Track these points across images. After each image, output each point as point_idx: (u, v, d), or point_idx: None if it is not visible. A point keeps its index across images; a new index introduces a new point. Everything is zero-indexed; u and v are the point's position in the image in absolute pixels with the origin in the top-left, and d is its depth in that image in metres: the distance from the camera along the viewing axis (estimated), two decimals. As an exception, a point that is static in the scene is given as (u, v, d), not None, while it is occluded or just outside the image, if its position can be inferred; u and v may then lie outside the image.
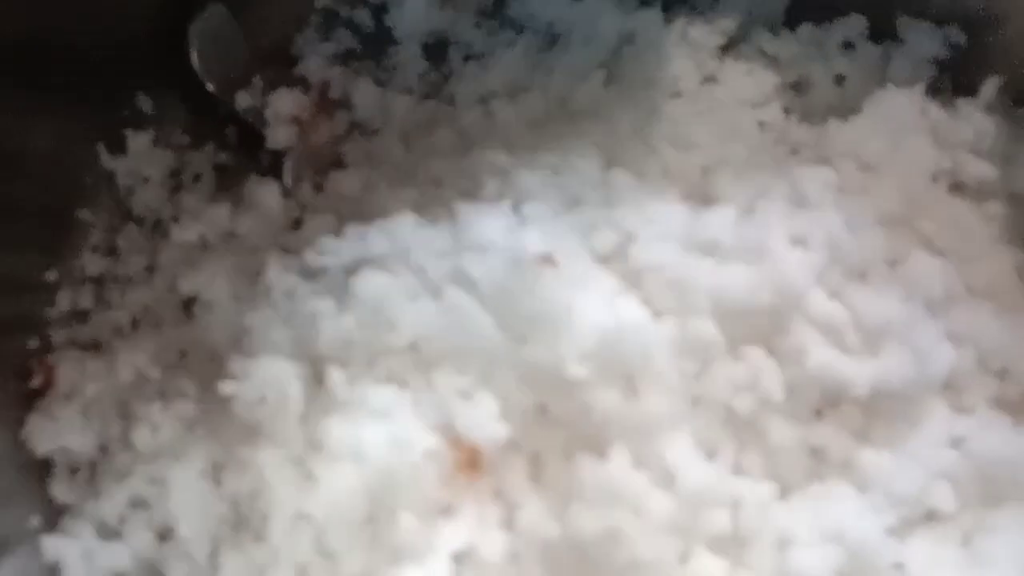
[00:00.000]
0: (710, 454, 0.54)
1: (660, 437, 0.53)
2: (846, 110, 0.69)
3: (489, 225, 0.60)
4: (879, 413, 0.56)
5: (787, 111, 0.73)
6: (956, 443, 0.55)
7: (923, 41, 0.72)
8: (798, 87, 0.74)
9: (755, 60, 0.75)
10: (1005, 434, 0.56)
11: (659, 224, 0.60)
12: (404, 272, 0.60)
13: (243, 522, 0.62)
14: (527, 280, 0.57)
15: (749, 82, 0.73)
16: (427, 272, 0.59)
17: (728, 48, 0.76)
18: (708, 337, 0.55)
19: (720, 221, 0.59)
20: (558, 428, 0.56)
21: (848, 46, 0.74)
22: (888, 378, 0.55)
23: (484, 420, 0.55)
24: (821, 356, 0.55)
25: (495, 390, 0.56)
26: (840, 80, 0.74)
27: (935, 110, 0.66)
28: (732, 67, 0.74)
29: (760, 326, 0.56)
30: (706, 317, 0.56)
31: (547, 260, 0.57)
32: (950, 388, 0.58)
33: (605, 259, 0.60)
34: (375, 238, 0.62)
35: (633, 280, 0.58)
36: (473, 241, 0.59)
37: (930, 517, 0.54)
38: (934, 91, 0.68)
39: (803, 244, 0.58)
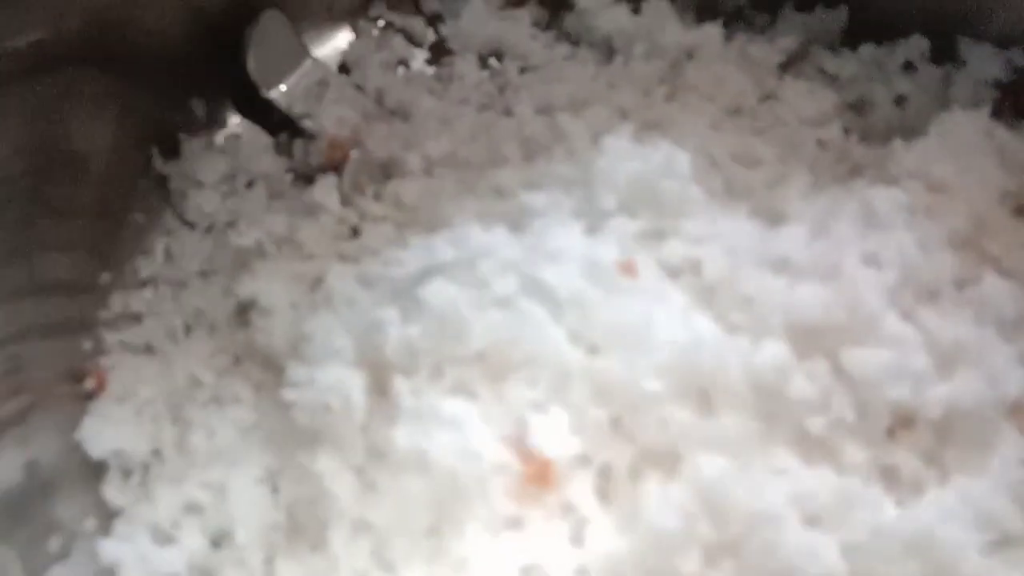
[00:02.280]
0: (780, 472, 0.54)
1: (733, 455, 0.53)
2: (907, 131, 0.70)
3: (562, 233, 0.60)
4: (951, 435, 0.55)
5: (847, 131, 0.73)
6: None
7: (985, 63, 0.72)
8: (858, 107, 0.75)
9: (815, 79, 0.75)
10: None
11: (730, 239, 0.60)
12: (472, 281, 0.59)
13: (300, 530, 0.61)
14: (605, 289, 0.57)
15: (809, 101, 0.73)
16: (496, 281, 0.58)
17: (787, 66, 0.76)
18: (781, 356, 0.55)
19: (791, 238, 0.59)
20: (630, 443, 0.55)
21: (909, 67, 0.75)
22: (961, 400, 0.55)
23: (555, 433, 0.55)
24: (893, 377, 0.55)
25: (567, 402, 0.56)
26: (900, 101, 0.74)
27: (1001, 132, 0.66)
28: (791, 85, 0.74)
29: (833, 345, 0.56)
30: (779, 335, 0.56)
31: (627, 268, 0.57)
32: (1019, 410, 0.57)
33: (677, 273, 0.60)
34: (440, 247, 0.61)
35: (706, 295, 0.58)
36: (546, 249, 0.59)
37: (1002, 542, 0.53)
38: (997, 113, 0.68)
39: (875, 264, 0.58)
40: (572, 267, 0.58)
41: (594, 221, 0.61)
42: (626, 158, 0.62)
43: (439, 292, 0.59)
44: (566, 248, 0.59)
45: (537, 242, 0.60)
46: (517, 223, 0.62)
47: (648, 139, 0.64)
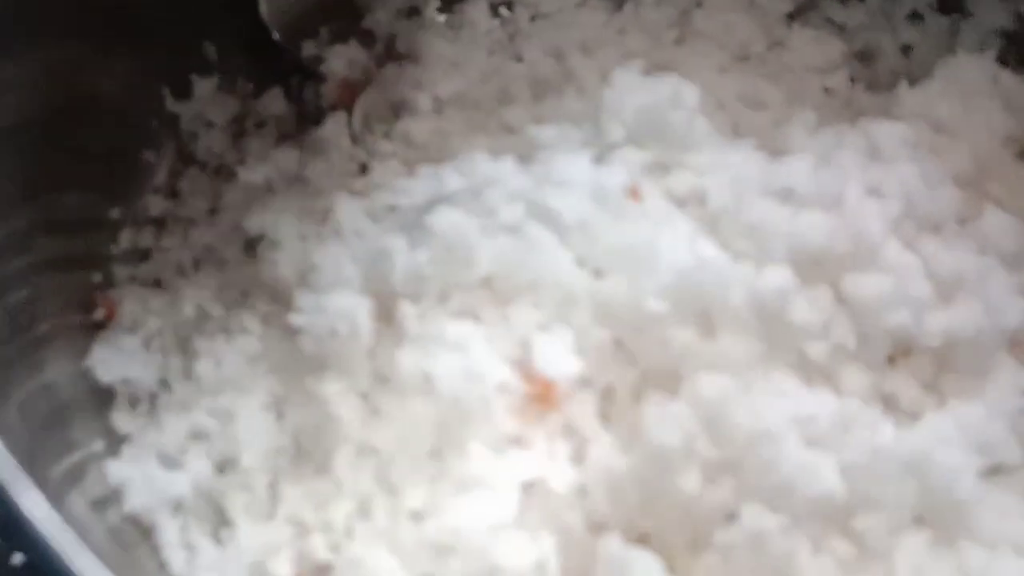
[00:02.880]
0: (781, 394, 0.54)
1: (734, 376, 0.54)
2: (912, 80, 0.70)
3: (570, 162, 0.60)
4: (950, 363, 0.56)
5: (853, 79, 0.73)
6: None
7: (992, 12, 0.73)
8: (864, 56, 0.75)
9: (822, 28, 0.76)
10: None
11: (735, 170, 0.60)
12: (479, 209, 0.60)
13: (305, 455, 0.62)
14: (611, 214, 0.57)
15: (816, 49, 0.74)
16: (504, 208, 0.59)
17: (796, 15, 0.76)
18: (784, 281, 0.56)
19: (796, 169, 0.60)
20: (632, 364, 0.56)
21: (916, 17, 0.75)
22: (960, 329, 0.55)
23: (559, 354, 0.55)
24: (894, 305, 0.55)
25: (571, 324, 0.56)
26: (907, 50, 0.75)
27: (1006, 77, 0.67)
28: (799, 33, 0.75)
29: (835, 272, 0.57)
30: (782, 261, 0.56)
31: (633, 193, 0.58)
32: (1017, 343, 0.58)
33: (683, 202, 0.60)
34: (449, 176, 0.62)
35: (711, 223, 0.59)
36: (553, 177, 0.59)
37: (996, 469, 0.54)
38: (1003, 60, 0.69)
39: (878, 195, 0.58)
40: (579, 193, 0.58)
41: (602, 152, 0.62)
42: (635, 90, 0.62)
43: (446, 219, 0.60)
44: (573, 176, 0.59)
45: (545, 171, 0.60)
46: (526, 155, 0.63)
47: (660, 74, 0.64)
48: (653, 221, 0.58)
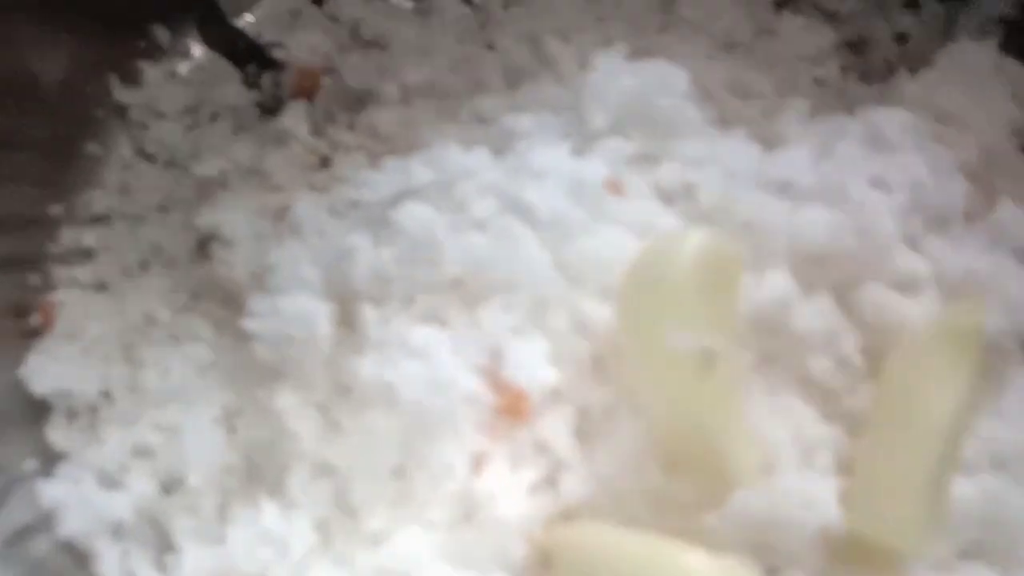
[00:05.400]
0: (783, 415, 0.50)
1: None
2: (910, 70, 0.66)
3: (547, 153, 0.56)
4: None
5: (844, 70, 0.70)
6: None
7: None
8: (857, 46, 0.71)
9: (812, 15, 0.72)
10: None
11: (728, 162, 0.56)
12: (449, 203, 0.55)
13: (257, 473, 0.57)
14: (590, 211, 0.53)
15: (806, 37, 0.70)
16: (475, 203, 0.54)
17: (784, 2, 0.72)
18: (784, 287, 0.51)
19: (794, 160, 0.55)
20: (610, 384, 0.51)
21: (911, 4, 0.71)
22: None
23: (532, 361, 0.50)
24: (904, 311, 0.51)
25: (547, 332, 0.52)
26: (902, 39, 0.71)
27: (1011, 65, 0.62)
28: (788, 21, 0.71)
29: (840, 275, 0.52)
30: (782, 264, 0.52)
31: (614, 186, 0.53)
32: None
33: (671, 197, 0.56)
34: (417, 169, 0.57)
35: (702, 220, 0.54)
36: (529, 169, 0.55)
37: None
38: (1005, 47, 0.65)
39: (883, 186, 0.54)
40: (556, 186, 0.54)
41: (583, 142, 0.57)
42: (620, 75, 0.58)
43: (413, 215, 0.55)
44: (551, 167, 0.55)
45: (520, 163, 0.56)
46: (500, 146, 0.58)
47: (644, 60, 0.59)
48: (635, 222, 0.53)
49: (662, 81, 0.57)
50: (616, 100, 0.57)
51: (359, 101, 0.71)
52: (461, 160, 0.57)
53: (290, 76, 0.73)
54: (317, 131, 0.70)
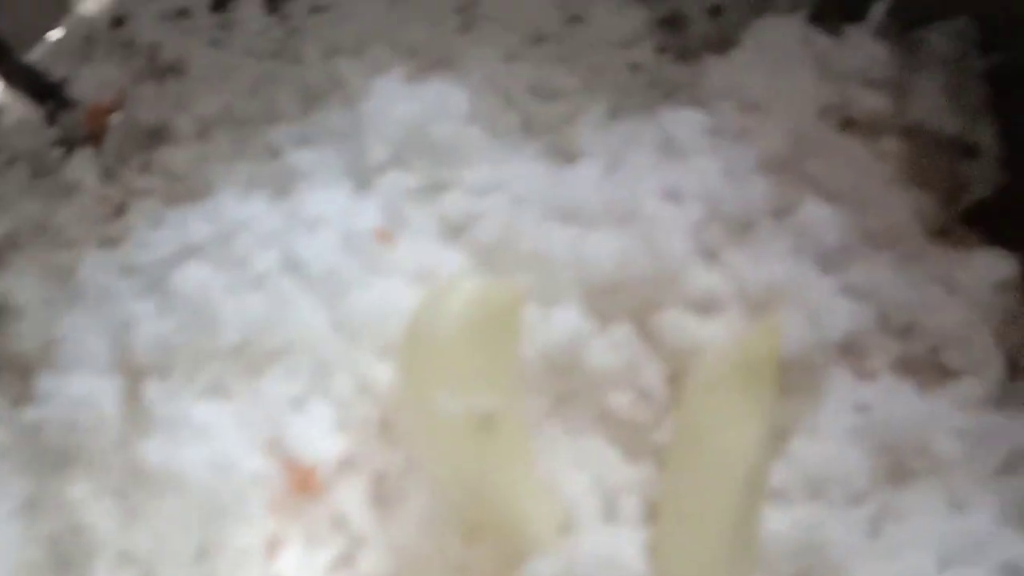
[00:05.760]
0: (584, 459, 0.48)
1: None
2: (725, 45, 0.63)
3: (324, 197, 0.52)
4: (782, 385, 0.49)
5: (660, 50, 0.66)
6: (862, 415, 0.49)
7: (805, -35, 0.65)
8: (671, 23, 0.68)
9: (624, -6, 0.68)
10: (910, 401, 0.51)
11: (515, 187, 0.52)
12: (228, 261, 0.51)
13: (63, 566, 0.53)
14: (362, 263, 0.49)
15: (617, 20, 0.66)
16: (255, 258, 0.51)
17: (596, -17, 0.68)
18: (576, 322, 0.48)
19: (583, 179, 0.52)
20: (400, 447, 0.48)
21: (722, -25, 0.68)
22: (784, 347, 0.49)
23: (317, 432, 0.47)
24: (704, 333, 0.48)
25: (330, 397, 0.49)
26: (716, 12, 0.67)
27: (820, 39, 0.59)
28: (599, 5, 0.67)
29: (636, 302, 0.49)
30: (573, 298, 0.49)
31: (383, 236, 0.50)
32: (851, 352, 0.52)
33: (455, 231, 0.52)
34: (195, 224, 0.53)
35: (486, 257, 0.51)
36: (305, 217, 0.51)
37: (842, 499, 0.48)
38: (819, 18, 0.62)
39: (676, 198, 0.51)
40: (329, 237, 0.50)
41: (364, 178, 0.53)
42: (397, 101, 0.54)
43: (192, 277, 0.51)
44: (326, 215, 0.51)
45: (298, 209, 0.52)
46: (282, 186, 0.54)
47: (427, 79, 0.56)
48: (411, 269, 0.50)
49: (442, 104, 0.54)
50: (395, 129, 0.53)
51: (153, 138, 0.66)
52: (240, 210, 0.53)
53: (81, 116, 0.68)
54: (109, 176, 0.65)
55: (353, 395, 0.49)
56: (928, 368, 0.53)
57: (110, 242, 0.61)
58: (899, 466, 0.50)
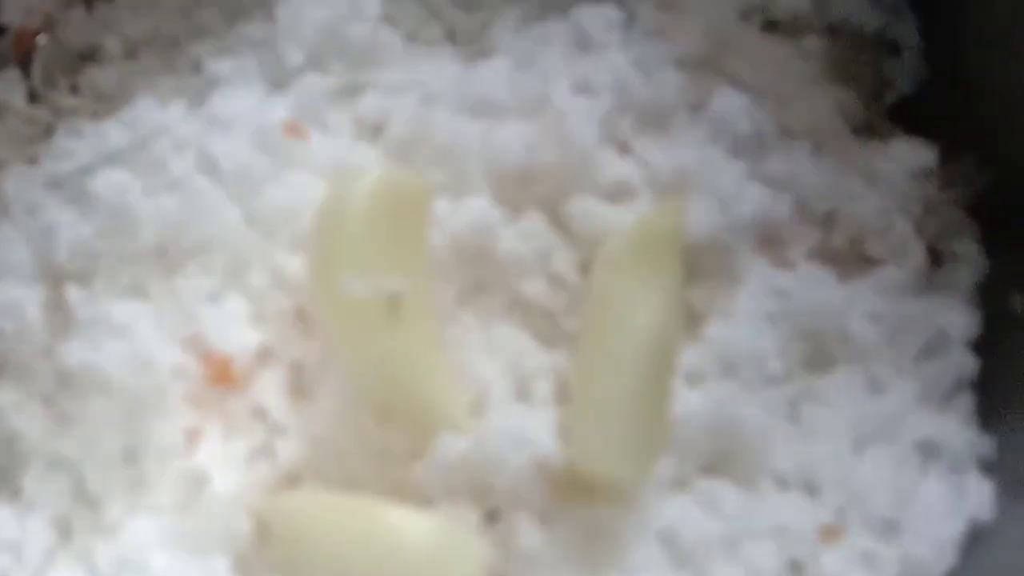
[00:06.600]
0: (497, 346, 0.48)
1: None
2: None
3: (237, 97, 0.52)
4: (696, 269, 0.50)
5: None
6: (779, 300, 0.50)
7: None
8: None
9: None
10: (830, 288, 0.52)
11: (428, 85, 0.52)
12: (146, 165, 0.52)
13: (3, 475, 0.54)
14: (274, 159, 0.50)
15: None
16: (172, 161, 0.51)
17: None
18: (485, 211, 0.49)
19: (493, 75, 0.52)
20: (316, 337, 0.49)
21: None
22: (694, 231, 0.49)
23: (233, 326, 0.48)
24: (615, 220, 0.49)
25: (246, 291, 0.49)
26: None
27: (740, -62, 0.59)
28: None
29: (546, 191, 0.50)
30: (482, 188, 0.49)
31: (293, 130, 0.50)
32: (770, 241, 0.52)
33: (371, 130, 0.52)
34: (113, 132, 0.53)
35: (400, 153, 0.51)
36: (220, 119, 0.52)
37: (757, 380, 0.49)
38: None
39: (587, 91, 0.51)
40: (241, 136, 0.50)
41: (281, 81, 0.53)
42: (312, 5, 0.54)
43: (111, 183, 0.51)
44: (239, 115, 0.51)
45: (213, 113, 0.52)
46: (201, 96, 0.54)
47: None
48: (325, 164, 0.50)
49: (354, 6, 0.54)
50: (310, 33, 0.53)
51: (81, 60, 0.66)
52: (157, 117, 0.53)
53: (7, 40, 0.68)
54: (37, 97, 0.65)
55: (268, 288, 0.49)
56: (848, 257, 0.54)
57: (36, 161, 0.61)
58: (819, 351, 0.51)
